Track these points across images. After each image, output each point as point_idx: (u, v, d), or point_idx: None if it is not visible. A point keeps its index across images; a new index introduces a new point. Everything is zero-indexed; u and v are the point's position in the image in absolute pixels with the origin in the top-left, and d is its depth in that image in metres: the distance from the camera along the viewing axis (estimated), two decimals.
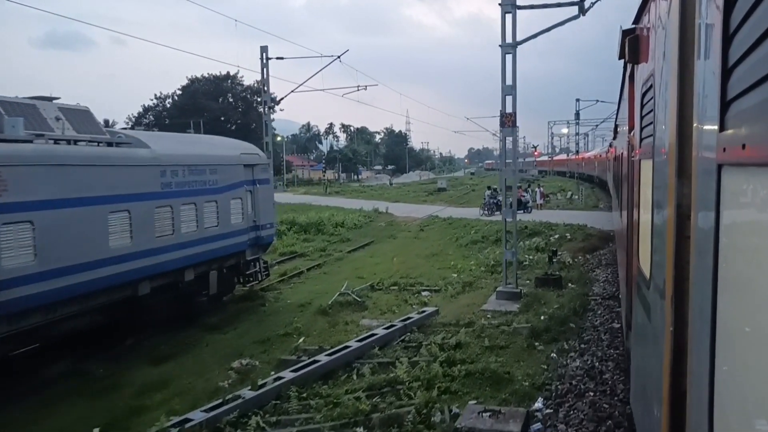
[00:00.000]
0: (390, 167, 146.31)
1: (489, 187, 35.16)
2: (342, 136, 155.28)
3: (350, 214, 32.66)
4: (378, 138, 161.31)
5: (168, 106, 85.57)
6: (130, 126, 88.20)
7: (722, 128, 1.40)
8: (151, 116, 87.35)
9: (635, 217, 4.25)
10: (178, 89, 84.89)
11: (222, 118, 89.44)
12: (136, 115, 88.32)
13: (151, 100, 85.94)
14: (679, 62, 2.17)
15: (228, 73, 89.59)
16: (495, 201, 29.83)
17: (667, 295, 2.26)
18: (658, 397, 2.46)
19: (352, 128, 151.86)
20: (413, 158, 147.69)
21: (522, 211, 29.88)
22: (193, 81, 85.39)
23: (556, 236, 20.46)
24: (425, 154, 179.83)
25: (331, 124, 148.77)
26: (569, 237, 20.24)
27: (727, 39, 1.35)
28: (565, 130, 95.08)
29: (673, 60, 2.24)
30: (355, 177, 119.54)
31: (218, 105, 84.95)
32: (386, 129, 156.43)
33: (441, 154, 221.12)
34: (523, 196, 31.11)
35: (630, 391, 4.89)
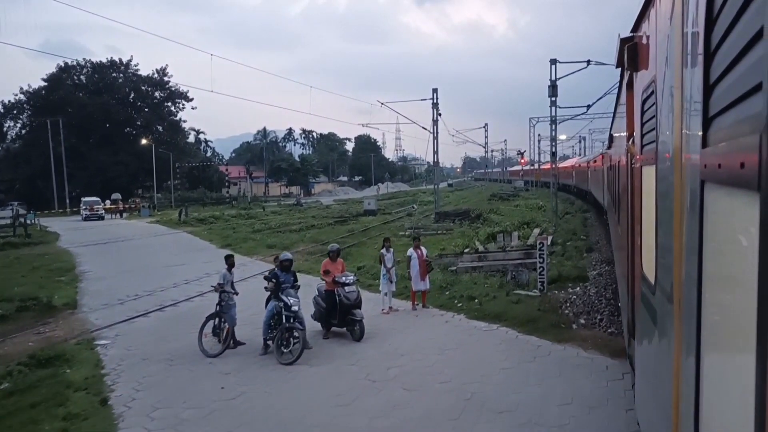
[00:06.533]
0: (357, 178, 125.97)
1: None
2: (307, 144, 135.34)
3: None
4: (350, 145, 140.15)
5: (35, 104, 64.66)
6: None
7: (704, 144, 1.44)
8: (20, 116, 67.00)
9: (636, 223, 4.23)
10: (42, 79, 64.28)
11: (121, 120, 69.06)
12: None
13: (16, 95, 65.10)
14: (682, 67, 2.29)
15: (119, 60, 69.62)
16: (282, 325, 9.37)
17: (675, 300, 2.28)
18: (667, 404, 2.36)
19: (314, 134, 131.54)
20: (384, 168, 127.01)
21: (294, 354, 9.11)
22: (64, 69, 64.91)
23: None
24: (401, 164, 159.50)
25: (290, 129, 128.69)
26: None
27: (709, 56, 1.38)
28: (563, 136, 74.95)
29: (677, 65, 2.23)
30: (307, 191, 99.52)
31: (98, 101, 64.25)
32: (357, 136, 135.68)
33: (428, 163, 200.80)
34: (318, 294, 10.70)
35: (635, 399, 4.57)
